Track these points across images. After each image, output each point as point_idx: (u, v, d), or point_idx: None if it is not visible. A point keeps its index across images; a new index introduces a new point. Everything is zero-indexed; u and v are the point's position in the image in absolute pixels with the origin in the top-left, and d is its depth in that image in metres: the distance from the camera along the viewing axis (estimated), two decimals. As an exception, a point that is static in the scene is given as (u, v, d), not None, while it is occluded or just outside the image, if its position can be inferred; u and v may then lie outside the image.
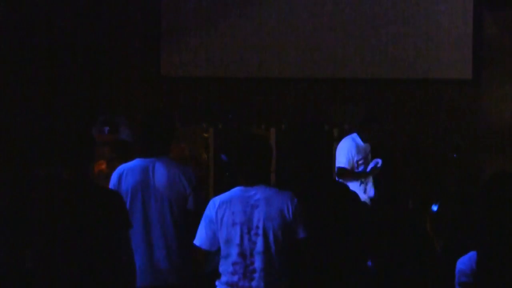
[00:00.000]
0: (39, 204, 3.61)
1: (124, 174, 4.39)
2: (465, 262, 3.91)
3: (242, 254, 3.77)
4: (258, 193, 3.82)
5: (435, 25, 8.53)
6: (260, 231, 3.76)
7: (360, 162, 7.17)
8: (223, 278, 3.83)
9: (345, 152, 7.09)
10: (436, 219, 4.34)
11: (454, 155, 8.08)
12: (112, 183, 4.40)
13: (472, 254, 3.93)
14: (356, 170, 7.10)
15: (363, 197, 6.90)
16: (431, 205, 4.39)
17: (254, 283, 3.75)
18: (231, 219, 3.79)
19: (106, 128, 6.44)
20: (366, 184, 7.23)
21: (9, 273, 3.89)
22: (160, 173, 4.37)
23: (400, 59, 8.57)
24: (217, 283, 3.86)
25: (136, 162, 4.47)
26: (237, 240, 3.77)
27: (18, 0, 7.30)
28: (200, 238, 3.88)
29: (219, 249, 3.85)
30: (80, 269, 3.59)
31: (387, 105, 8.60)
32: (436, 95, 8.60)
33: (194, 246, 3.90)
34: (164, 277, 4.31)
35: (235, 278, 3.78)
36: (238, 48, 8.75)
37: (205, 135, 8.06)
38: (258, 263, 3.75)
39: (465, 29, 8.47)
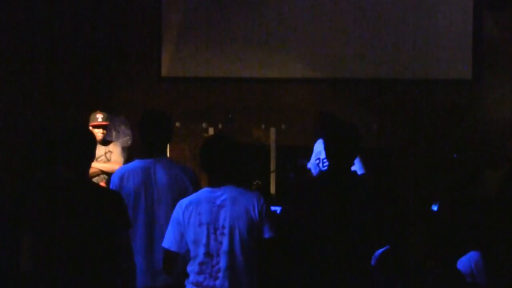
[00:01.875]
0: (39, 205, 3.62)
1: (126, 176, 4.38)
2: (464, 262, 3.91)
3: (208, 254, 3.76)
4: (225, 193, 3.81)
5: (435, 25, 8.53)
6: (226, 231, 3.75)
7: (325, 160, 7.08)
8: (190, 278, 3.83)
9: (314, 153, 6.97)
10: (436, 219, 4.34)
11: (454, 155, 8.07)
12: (114, 184, 4.39)
13: (471, 255, 3.93)
14: (322, 169, 6.86)
15: None
16: (431, 205, 4.39)
17: (218, 282, 3.75)
18: (198, 219, 3.78)
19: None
20: None
21: (9, 273, 3.89)
22: (162, 173, 4.36)
23: (400, 59, 8.57)
24: (185, 282, 3.86)
25: (136, 163, 4.45)
26: (203, 240, 3.77)
27: (18, 0, 7.30)
28: (168, 241, 3.86)
29: (188, 251, 3.84)
30: (80, 269, 3.59)
31: (387, 105, 8.60)
32: (436, 95, 8.59)
33: (163, 248, 3.89)
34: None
35: (201, 277, 3.78)
36: (238, 48, 8.75)
37: (205, 135, 8.04)
38: (223, 262, 3.75)
39: (465, 29, 8.47)
